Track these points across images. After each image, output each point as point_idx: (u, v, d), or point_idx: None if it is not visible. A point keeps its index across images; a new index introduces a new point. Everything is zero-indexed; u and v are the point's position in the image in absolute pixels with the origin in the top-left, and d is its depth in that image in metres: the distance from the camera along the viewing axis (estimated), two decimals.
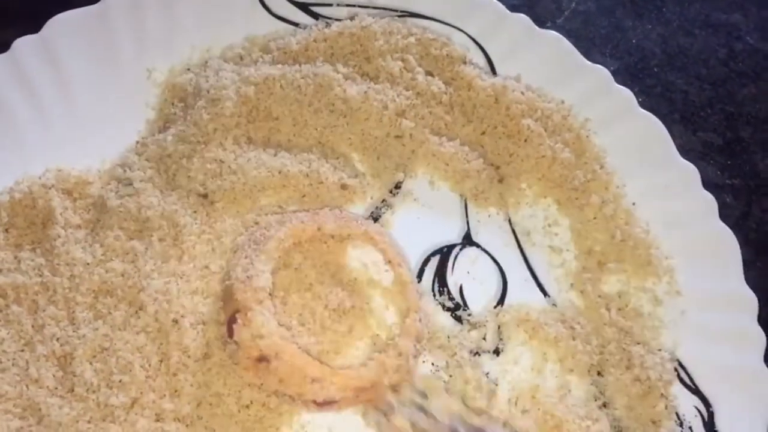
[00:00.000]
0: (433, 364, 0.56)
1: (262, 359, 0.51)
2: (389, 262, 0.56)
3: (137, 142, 0.62)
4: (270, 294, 0.53)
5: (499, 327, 0.58)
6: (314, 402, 0.52)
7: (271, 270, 0.54)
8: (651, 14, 0.78)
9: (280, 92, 0.62)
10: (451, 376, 0.56)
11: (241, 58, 0.65)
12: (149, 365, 0.53)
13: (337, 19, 0.67)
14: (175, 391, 0.52)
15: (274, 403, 0.53)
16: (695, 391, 0.56)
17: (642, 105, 0.65)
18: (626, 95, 0.64)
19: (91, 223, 0.58)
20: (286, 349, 0.51)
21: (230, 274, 0.55)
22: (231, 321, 0.53)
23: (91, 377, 0.52)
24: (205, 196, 0.59)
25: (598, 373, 0.57)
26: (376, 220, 0.61)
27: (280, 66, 0.63)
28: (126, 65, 0.64)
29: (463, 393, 0.55)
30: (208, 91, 0.61)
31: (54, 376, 0.53)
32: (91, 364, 0.53)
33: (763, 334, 0.57)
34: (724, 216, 0.61)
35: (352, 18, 0.66)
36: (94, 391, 0.52)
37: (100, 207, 0.58)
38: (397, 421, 0.52)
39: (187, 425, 0.52)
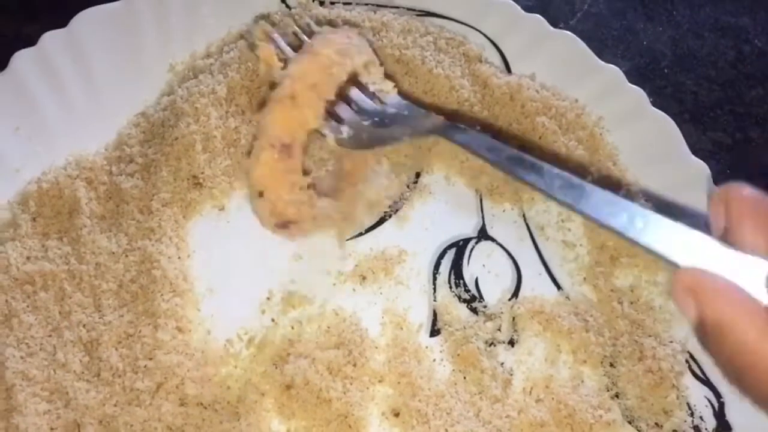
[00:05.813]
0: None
1: None
2: None
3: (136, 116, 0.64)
4: None
5: (513, 318, 0.59)
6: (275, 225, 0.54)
7: None
8: (662, 17, 0.79)
9: None
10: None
11: None
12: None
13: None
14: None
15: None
16: (706, 382, 0.57)
17: (653, 105, 0.66)
18: (639, 94, 0.65)
19: (114, 213, 0.59)
20: None
21: None
22: None
23: (116, 362, 0.53)
24: None
25: (611, 365, 0.58)
26: (395, 213, 0.63)
27: None
28: (150, 60, 0.65)
29: (479, 382, 0.56)
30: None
31: (81, 361, 0.54)
32: (116, 349, 0.54)
33: None
34: None
35: (375, 11, 0.67)
36: (119, 376, 0.53)
37: (116, 193, 0.59)
38: None
39: (207, 408, 0.53)
